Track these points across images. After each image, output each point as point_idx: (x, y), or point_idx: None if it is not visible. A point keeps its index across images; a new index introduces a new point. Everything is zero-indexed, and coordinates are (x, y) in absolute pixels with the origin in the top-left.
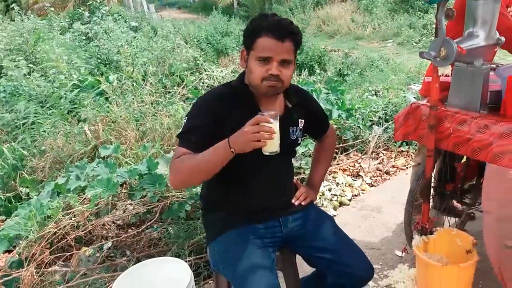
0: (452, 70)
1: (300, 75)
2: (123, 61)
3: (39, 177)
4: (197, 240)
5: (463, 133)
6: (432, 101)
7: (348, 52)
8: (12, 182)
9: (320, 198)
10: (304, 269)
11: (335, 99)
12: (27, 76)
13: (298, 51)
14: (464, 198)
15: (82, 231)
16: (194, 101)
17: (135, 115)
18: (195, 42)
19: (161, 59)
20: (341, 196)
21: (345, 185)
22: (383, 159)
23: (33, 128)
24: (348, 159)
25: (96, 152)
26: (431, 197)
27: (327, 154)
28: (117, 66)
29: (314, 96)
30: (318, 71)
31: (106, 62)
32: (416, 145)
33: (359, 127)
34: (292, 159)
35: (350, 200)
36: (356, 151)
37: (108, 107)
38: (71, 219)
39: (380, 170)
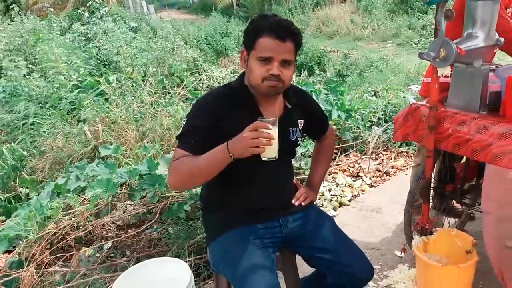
0: (451, 71)
1: (300, 75)
2: (122, 61)
3: (39, 178)
4: (197, 240)
5: (463, 133)
6: (431, 102)
7: (347, 53)
8: (12, 183)
9: (320, 199)
10: (304, 269)
11: (335, 99)
12: (27, 77)
13: (297, 52)
14: (463, 198)
15: (82, 232)
16: (194, 101)
17: (134, 116)
18: (194, 43)
19: (160, 60)
20: (341, 196)
21: (345, 186)
22: (382, 159)
23: (32, 129)
24: (348, 159)
25: (96, 152)
26: (430, 197)
27: (327, 155)
28: (116, 66)
29: (314, 97)
30: (317, 71)
31: (106, 63)
32: (415, 146)
33: (358, 127)
34: (292, 160)
35: (350, 201)
36: (356, 152)
37: (107, 107)
38: (71, 219)
39: (380, 171)
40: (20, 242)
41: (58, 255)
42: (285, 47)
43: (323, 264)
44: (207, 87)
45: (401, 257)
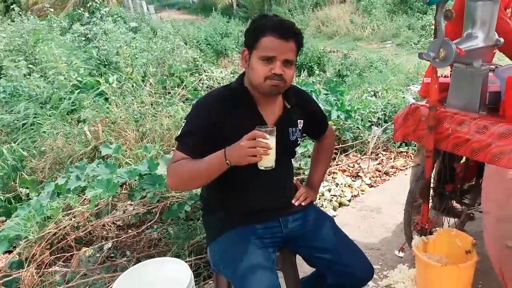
0: (451, 71)
1: (300, 76)
2: (122, 62)
3: (39, 178)
4: (197, 240)
5: (462, 133)
6: (431, 102)
7: (347, 53)
8: (12, 183)
9: (319, 199)
10: (304, 269)
11: (335, 100)
12: (27, 77)
13: (298, 53)
14: (463, 198)
15: (82, 232)
16: (194, 102)
17: (134, 116)
18: (194, 43)
19: (160, 60)
20: (341, 196)
21: (345, 186)
22: (382, 159)
23: (33, 129)
24: (347, 159)
25: (96, 152)
26: (430, 197)
27: (326, 154)
28: (116, 67)
29: (314, 97)
30: (317, 72)
31: (106, 63)
32: (415, 146)
33: (358, 127)
34: (292, 160)
35: (349, 201)
36: (356, 152)
37: (107, 108)
38: (71, 219)
39: (380, 171)
40: (20, 242)
41: (58, 255)
42: (288, 46)
43: (323, 264)
44: (207, 87)
45: (401, 257)
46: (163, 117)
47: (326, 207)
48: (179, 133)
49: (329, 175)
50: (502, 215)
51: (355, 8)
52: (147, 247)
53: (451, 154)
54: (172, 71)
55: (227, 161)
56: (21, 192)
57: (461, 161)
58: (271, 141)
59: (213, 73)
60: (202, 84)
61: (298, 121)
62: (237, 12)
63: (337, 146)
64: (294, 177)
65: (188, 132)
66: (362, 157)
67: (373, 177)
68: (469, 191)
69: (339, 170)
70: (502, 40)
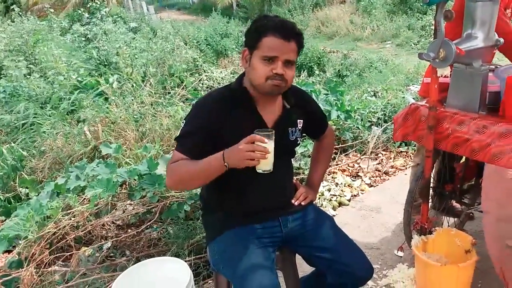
0: (451, 71)
1: (299, 76)
2: (121, 62)
3: (38, 178)
4: (197, 240)
5: (462, 133)
6: (431, 102)
7: (347, 53)
8: (12, 183)
9: (319, 198)
10: (304, 268)
11: (334, 100)
12: (27, 77)
13: (299, 53)
14: (463, 198)
15: (82, 231)
16: (194, 102)
17: (134, 116)
18: (194, 43)
19: (160, 60)
20: (340, 196)
21: (344, 186)
22: (382, 159)
23: (32, 129)
24: (347, 159)
25: (96, 152)
26: (430, 197)
27: (326, 154)
28: (116, 67)
29: (314, 97)
30: (317, 72)
31: (105, 63)
32: (415, 146)
33: (358, 127)
34: (292, 160)
35: (349, 200)
36: (355, 152)
37: (107, 108)
38: (70, 219)
39: (379, 171)
40: (20, 242)
41: (57, 254)
42: (290, 47)
43: (322, 263)
44: (207, 87)
45: (401, 256)
46: (163, 117)
47: (325, 207)
48: (178, 133)
49: (329, 174)
50: (502, 214)
51: (355, 9)
52: (147, 247)
53: (450, 154)
54: (172, 71)
55: (225, 164)
56: (20, 192)
57: (461, 161)
58: (270, 145)
59: (213, 73)
60: (202, 84)
61: (298, 121)
62: (237, 13)
63: (337, 146)
64: (294, 177)
65: (188, 132)
66: (362, 157)
67: (372, 177)
68: (468, 191)
69: (339, 169)
70: (502, 40)
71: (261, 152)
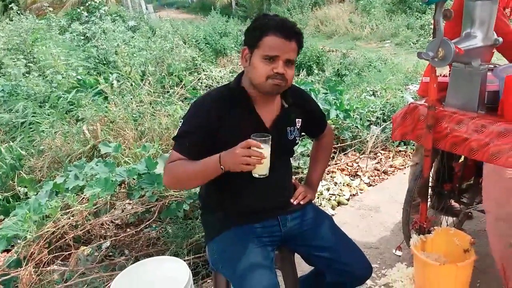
0: (450, 71)
1: (298, 75)
2: (120, 61)
3: (37, 177)
4: (196, 239)
5: (461, 133)
6: (430, 101)
7: (346, 53)
8: (10, 182)
9: (318, 198)
10: (303, 267)
11: (333, 99)
12: (26, 75)
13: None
14: (461, 197)
15: (81, 231)
16: (192, 101)
17: (133, 115)
18: (193, 42)
19: (159, 59)
20: (339, 195)
21: (343, 185)
22: (381, 159)
23: (31, 128)
24: (346, 159)
25: (95, 151)
26: (429, 196)
27: (325, 153)
28: (114, 66)
29: (313, 96)
30: (316, 71)
31: (104, 62)
32: (414, 145)
33: (357, 127)
34: (291, 159)
35: (348, 200)
36: (354, 151)
37: (106, 107)
38: (69, 218)
39: (378, 170)
40: (19, 241)
41: (56, 254)
42: (290, 46)
43: (321, 262)
44: (206, 86)
45: (399, 255)
46: (162, 116)
47: (324, 206)
48: (176, 133)
49: (328, 174)
50: (501, 213)
51: (354, 8)
52: (146, 246)
53: (449, 153)
54: (171, 70)
55: (221, 166)
56: (19, 191)
57: (460, 160)
58: (266, 150)
59: (212, 72)
60: (201, 83)
61: (296, 120)
62: (236, 11)
63: (336, 145)
64: (293, 176)
65: (186, 132)
66: (360, 156)
67: (371, 176)
68: (467, 190)
69: (337, 169)
70: (500, 39)
71: (257, 157)
